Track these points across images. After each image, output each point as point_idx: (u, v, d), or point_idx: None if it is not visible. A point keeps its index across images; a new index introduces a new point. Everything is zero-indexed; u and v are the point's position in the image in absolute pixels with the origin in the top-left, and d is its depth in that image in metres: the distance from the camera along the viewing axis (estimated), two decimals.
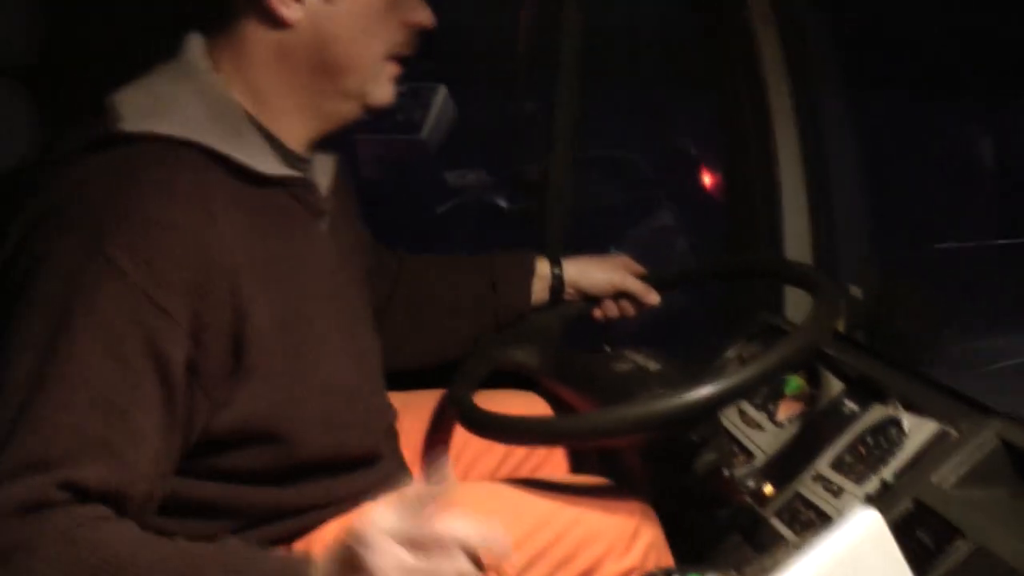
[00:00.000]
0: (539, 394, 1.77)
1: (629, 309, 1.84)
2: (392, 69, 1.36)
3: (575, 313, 1.85)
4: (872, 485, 1.50)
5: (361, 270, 1.56)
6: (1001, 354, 3.68)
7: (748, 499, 1.59)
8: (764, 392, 1.85)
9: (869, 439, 1.59)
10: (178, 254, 1.13)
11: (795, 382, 1.82)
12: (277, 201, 1.29)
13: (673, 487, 1.51)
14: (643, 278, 1.83)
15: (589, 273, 1.82)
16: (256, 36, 1.26)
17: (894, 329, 2.00)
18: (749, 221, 2.18)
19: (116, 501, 1.10)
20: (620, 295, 1.83)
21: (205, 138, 1.19)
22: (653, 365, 1.55)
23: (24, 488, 1.04)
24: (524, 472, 1.68)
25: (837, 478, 1.57)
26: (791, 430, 1.76)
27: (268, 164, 1.26)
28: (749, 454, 1.78)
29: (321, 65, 1.29)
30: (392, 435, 1.56)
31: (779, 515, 1.61)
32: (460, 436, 1.65)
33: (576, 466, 1.70)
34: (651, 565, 1.45)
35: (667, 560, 1.50)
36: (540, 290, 1.80)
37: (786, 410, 1.81)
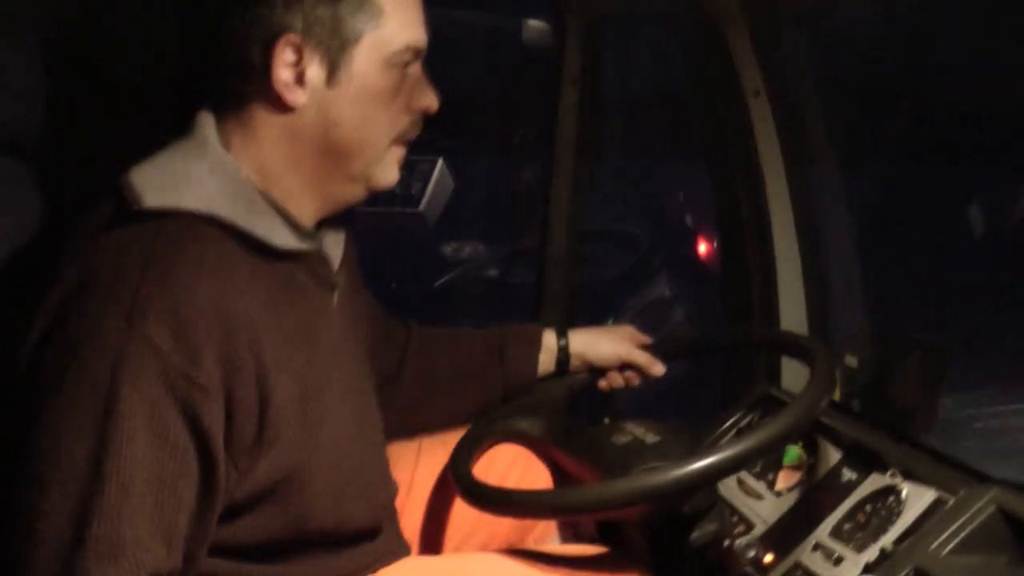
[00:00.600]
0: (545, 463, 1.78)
1: (634, 380, 1.86)
2: (397, 152, 1.38)
3: (580, 384, 1.87)
4: (871, 553, 1.50)
5: (366, 343, 1.58)
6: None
7: (749, 569, 1.59)
8: (763, 462, 1.86)
9: (868, 507, 1.60)
10: (209, 328, 1.15)
11: (793, 451, 1.83)
12: (292, 275, 1.31)
13: (673, 557, 1.51)
14: (648, 348, 1.86)
15: (595, 345, 1.84)
16: (264, 118, 1.28)
17: (890, 397, 2.01)
18: (745, 292, 2.20)
19: None
20: (626, 367, 1.85)
21: (224, 212, 1.21)
22: (651, 437, 1.56)
23: None
24: (525, 542, 1.68)
25: (837, 546, 1.57)
26: (790, 499, 1.77)
27: (283, 238, 1.27)
28: (749, 524, 1.79)
29: (326, 148, 1.30)
30: (392, 508, 1.57)
31: None
32: (459, 507, 1.66)
33: (577, 535, 1.71)
34: None
35: None
36: (547, 361, 1.82)
37: (785, 479, 1.81)
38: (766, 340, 2.01)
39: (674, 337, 2.03)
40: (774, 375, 2.14)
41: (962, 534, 1.40)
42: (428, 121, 1.41)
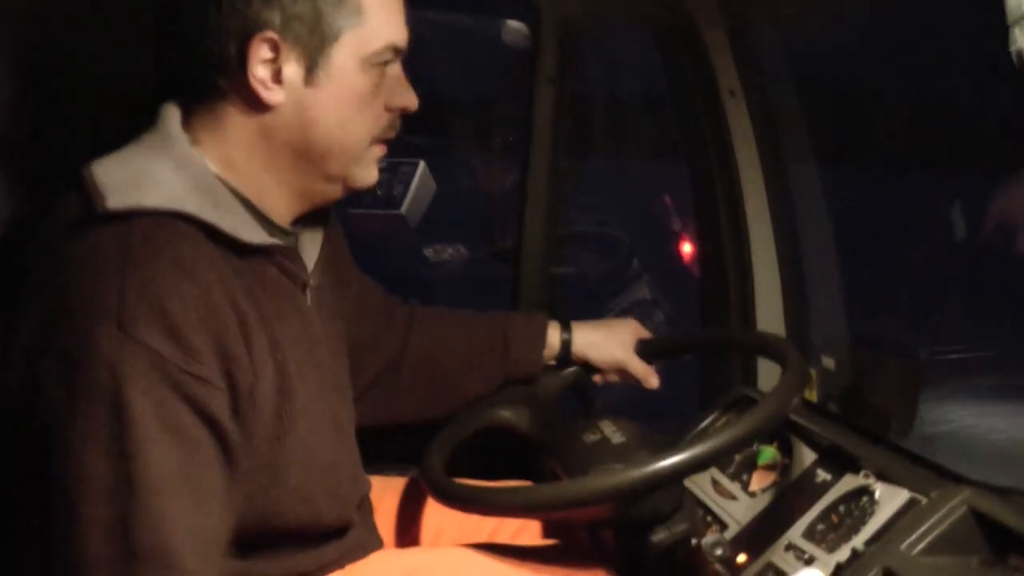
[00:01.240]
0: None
1: (630, 379, 1.89)
2: (376, 151, 1.37)
3: (574, 378, 1.88)
4: (843, 554, 1.50)
5: (343, 343, 1.56)
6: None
7: (719, 568, 1.59)
8: (738, 462, 1.86)
9: (841, 508, 1.59)
10: (199, 324, 1.14)
11: (768, 452, 1.82)
12: (263, 270, 1.29)
13: (642, 556, 1.51)
14: (648, 344, 1.89)
15: (596, 345, 1.85)
16: (238, 115, 1.27)
17: (867, 400, 2.01)
18: (722, 293, 2.20)
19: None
20: (622, 371, 1.87)
21: (190, 208, 1.19)
22: (618, 438, 1.57)
23: None
24: (498, 539, 1.67)
25: (809, 547, 1.57)
26: (764, 500, 1.76)
27: (250, 233, 1.25)
28: (723, 524, 1.78)
29: (303, 148, 1.29)
30: (365, 505, 1.57)
31: None
32: (433, 507, 1.66)
33: (550, 533, 1.70)
34: None
35: None
36: (548, 356, 1.83)
37: (759, 480, 1.81)
38: (737, 341, 2.01)
39: (663, 338, 2.04)
40: (750, 376, 2.14)
41: (933, 534, 1.40)
42: (409, 123, 1.40)
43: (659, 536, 1.49)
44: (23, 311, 1.15)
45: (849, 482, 1.62)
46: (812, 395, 2.04)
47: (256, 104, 1.25)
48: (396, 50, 1.32)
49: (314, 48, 1.25)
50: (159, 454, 1.09)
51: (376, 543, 1.56)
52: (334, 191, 1.36)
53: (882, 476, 1.57)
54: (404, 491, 1.74)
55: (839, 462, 1.68)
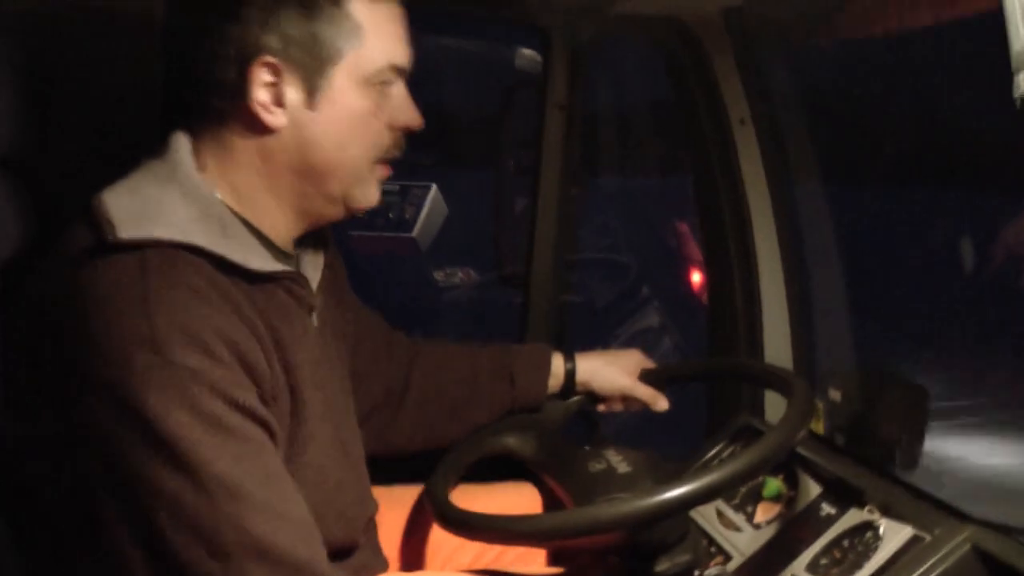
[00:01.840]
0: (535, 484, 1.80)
1: (634, 407, 1.90)
2: (379, 172, 1.36)
3: (578, 407, 1.90)
4: None
5: (346, 363, 1.57)
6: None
7: None
8: (743, 494, 1.85)
9: (845, 542, 1.58)
10: (225, 343, 1.14)
11: (773, 484, 1.81)
12: (273, 296, 1.29)
13: None
14: (652, 372, 1.90)
15: (600, 375, 1.87)
16: (241, 139, 1.27)
17: (874, 433, 2.00)
18: (730, 323, 2.19)
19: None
20: (627, 398, 1.88)
21: (197, 239, 1.18)
22: (623, 467, 1.57)
23: None
24: (503, 562, 1.69)
25: None
26: (769, 532, 1.75)
27: (259, 261, 1.25)
28: (727, 555, 1.77)
29: (305, 169, 1.29)
30: (371, 525, 1.57)
31: None
32: (438, 528, 1.65)
33: (555, 558, 1.71)
34: None
35: None
36: (553, 386, 1.85)
37: (764, 512, 1.80)
38: (744, 371, 2.01)
39: (667, 367, 2.04)
40: (757, 406, 2.13)
41: (935, 572, 1.39)
42: (421, 145, 1.40)
43: (663, 566, 1.49)
44: (47, 352, 1.15)
45: (854, 516, 1.61)
46: (819, 427, 2.02)
47: (258, 127, 1.26)
48: (398, 70, 1.32)
49: (314, 70, 1.25)
50: (231, 461, 1.10)
51: (381, 565, 1.56)
52: (335, 212, 1.36)
53: (886, 511, 1.57)
54: (410, 511, 1.74)
55: (844, 496, 1.67)
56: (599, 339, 4.05)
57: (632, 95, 4.71)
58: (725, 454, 2.01)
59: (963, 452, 3.75)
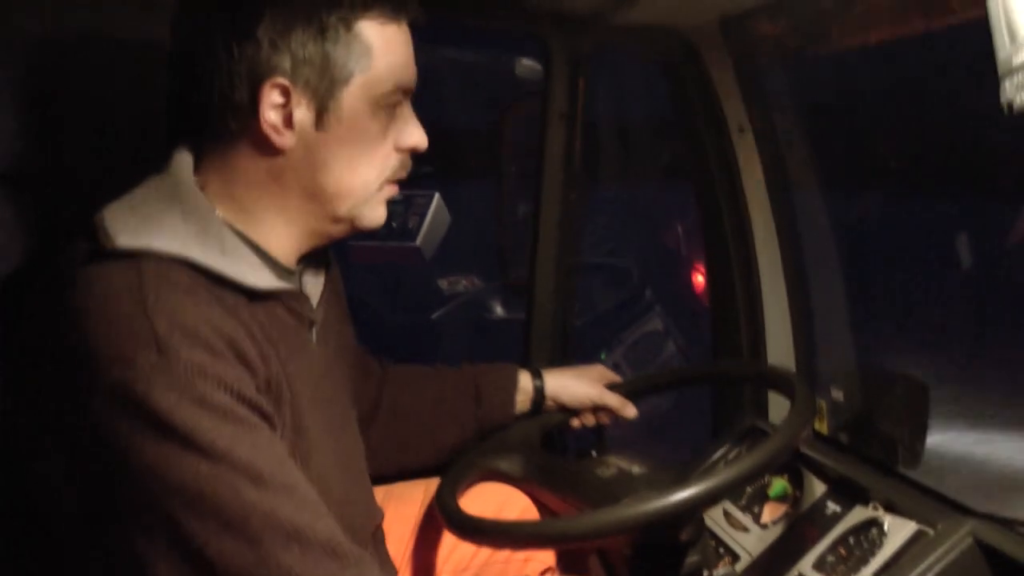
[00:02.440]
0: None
1: (605, 419, 1.91)
2: (386, 192, 1.35)
3: (554, 423, 1.91)
4: None
5: (346, 376, 1.57)
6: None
7: None
8: (749, 494, 1.88)
9: (851, 539, 1.61)
10: (227, 344, 1.15)
11: (779, 484, 1.84)
12: (272, 312, 1.29)
13: None
14: (618, 386, 1.91)
15: (568, 388, 1.89)
16: (248, 159, 1.26)
17: (876, 431, 2.02)
18: (732, 326, 2.22)
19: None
20: (598, 408, 1.89)
21: (194, 254, 1.19)
22: (636, 469, 1.59)
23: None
24: (510, 567, 1.69)
25: None
26: (775, 531, 1.78)
27: (259, 278, 1.25)
28: (735, 555, 1.79)
29: (312, 190, 1.28)
30: (379, 536, 1.57)
31: None
32: (448, 535, 1.67)
33: (562, 565, 1.72)
34: None
35: None
36: (522, 402, 1.86)
37: (771, 512, 1.82)
38: (745, 374, 2.04)
39: (643, 375, 2.06)
40: (761, 408, 2.16)
41: (939, 566, 1.42)
42: (424, 156, 1.39)
43: (678, 566, 1.50)
44: (50, 360, 1.15)
45: (859, 514, 1.64)
46: (822, 426, 2.05)
47: (267, 148, 1.25)
48: (405, 91, 1.32)
49: (324, 92, 1.24)
50: (248, 449, 1.10)
51: (390, 573, 1.57)
52: (341, 231, 1.35)
53: (891, 508, 1.59)
54: (418, 524, 1.75)
55: (849, 494, 1.70)
56: (603, 344, 4.07)
57: (629, 101, 4.72)
58: (731, 456, 2.04)
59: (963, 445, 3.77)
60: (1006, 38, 0.99)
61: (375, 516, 1.56)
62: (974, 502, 1.53)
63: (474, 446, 1.80)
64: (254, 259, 1.27)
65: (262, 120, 1.22)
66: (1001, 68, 0.99)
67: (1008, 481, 3.64)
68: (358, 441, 1.53)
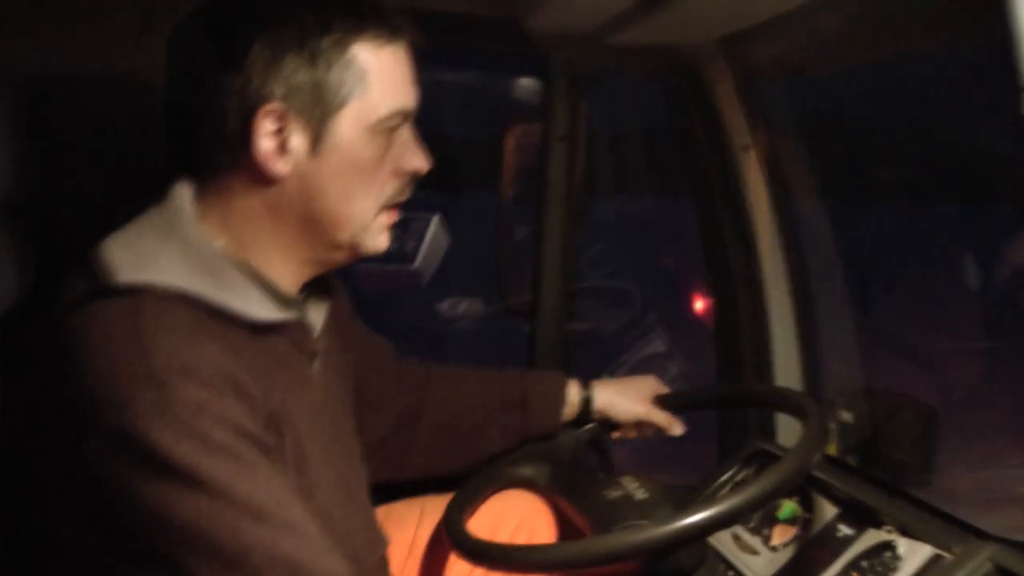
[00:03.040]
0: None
1: (648, 433, 1.90)
2: (386, 218, 1.32)
3: (592, 434, 1.90)
4: None
5: (350, 404, 1.56)
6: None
7: None
8: (758, 517, 1.85)
9: (864, 563, 1.58)
10: (225, 382, 1.12)
11: (789, 506, 1.82)
12: (273, 345, 1.27)
13: None
14: (667, 400, 1.90)
15: (615, 403, 1.87)
16: (244, 188, 1.24)
17: (886, 453, 2.01)
18: (737, 348, 2.20)
19: None
20: (643, 424, 1.89)
21: (196, 290, 1.17)
22: (641, 494, 1.57)
23: None
24: None
25: None
26: (786, 555, 1.75)
27: (259, 311, 1.23)
28: None
29: (310, 218, 1.26)
30: (382, 564, 1.55)
31: None
32: (461, 567, 1.66)
33: None
34: None
35: None
36: (567, 414, 1.85)
37: (780, 534, 1.80)
38: (759, 396, 2.02)
39: (692, 390, 2.07)
40: (768, 430, 2.14)
41: None
42: (423, 179, 1.36)
43: None
44: (49, 401, 1.13)
45: (871, 537, 1.61)
46: (831, 448, 2.03)
47: (262, 177, 1.23)
48: (404, 114, 1.29)
49: (319, 118, 1.22)
50: (248, 485, 1.08)
51: None
52: (342, 258, 1.33)
53: (904, 531, 1.57)
54: (432, 554, 1.73)
55: (860, 516, 1.67)
56: (604, 366, 4.05)
57: (626, 120, 4.73)
58: (738, 478, 2.02)
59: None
60: None
61: (379, 546, 1.54)
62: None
63: (496, 459, 1.80)
64: (254, 291, 1.25)
65: (256, 150, 1.20)
66: (1023, 79, 0.98)
67: None
68: (361, 471, 1.52)
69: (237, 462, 1.09)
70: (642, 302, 4.49)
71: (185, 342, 1.12)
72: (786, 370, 2.14)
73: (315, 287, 1.40)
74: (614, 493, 1.60)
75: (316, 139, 1.22)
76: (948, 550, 1.47)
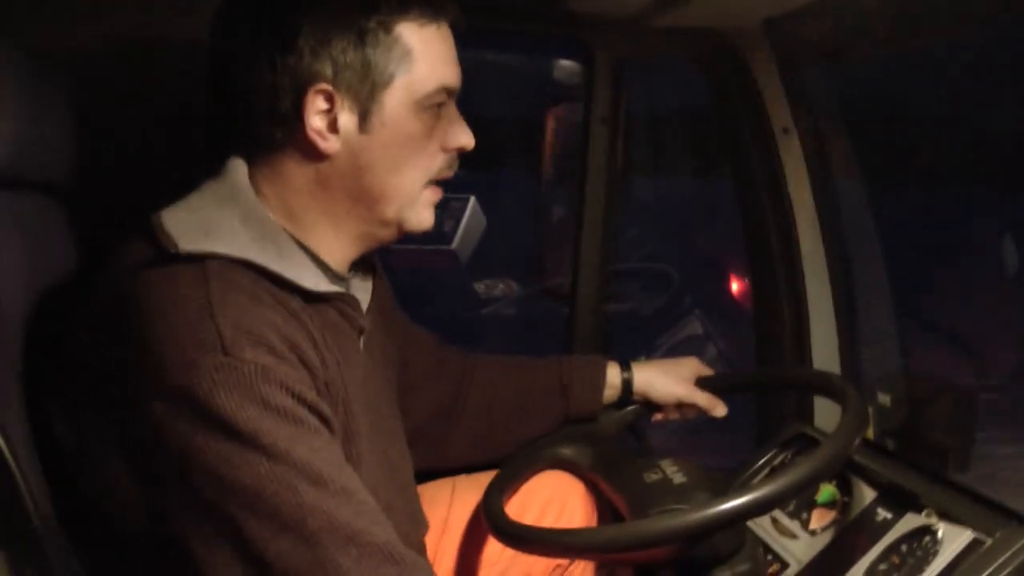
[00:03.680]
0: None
1: (690, 414, 1.90)
2: (432, 194, 1.36)
3: (634, 416, 1.90)
4: None
5: (394, 386, 1.58)
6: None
7: None
8: (797, 501, 1.85)
9: (903, 547, 1.58)
10: (292, 345, 1.16)
11: (827, 490, 1.82)
12: (327, 315, 1.30)
13: None
14: (709, 382, 1.89)
15: (656, 384, 1.87)
16: (295, 165, 1.27)
17: (924, 436, 2.00)
18: (776, 331, 2.20)
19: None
20: (684, 405, 1.88)
21: (254, 257, 1.20)
22: (679, 478, 1.57)
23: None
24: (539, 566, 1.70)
25: None
26: (825, 538, 1.75)
27: (314, 281, 1.27)
28: (784, 563, 1.77)
29: (358, 193, 1.29)
30: (422, 546, 1.57)
31: None
32: (493, 545, 1.67)
33: (612, 571, 1.71)
34: None
35: None
36: (609, 396, 1.86)
37: (819, 518, 1.80)
38: (801, 380, 2.01)
39: (735, 373, 2.06)
40: (806, 413, 2.13)
41: (999, 575, 1.39)
42: (461, 160, 1.39)
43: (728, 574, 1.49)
44: (111, 363, 1.16)
45: (910, 521, 1.61)
46: (869, 432, 2.03)
47: (313, 154, 1.26)
48: (448, 91, 1.32)
49: (366, 96, 1.25)
50: (307, 450, 1.10)
51: None
52: (389, 234, 1.36)
53: (944, 515, 1.56)
54: (464, 533, 1.75)
55: (899, 500, 1.67)
56: (642, 349, 4.04)
57: (666, 100, 4.70)
58: (776, 462, 2.01)
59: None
60: None
61: (419, 527, 1.56)
62: None
63: (533, 443, 1.81)
64: (309, 263, 1.29)
65: (307, 127, 1.24)
66: None
67: None
68: (405, 453, 1.54)
69: (298, 427, 1.12)
70: (680, 284, 4.47)
71: (250, 308, 1.15)
72: (825, 353, 2.13)
73: (359, 268, 1.44)
74: (653, 476, 1.61)
75: (364, 116, 1.26)
76: (989, 534, 1.46)
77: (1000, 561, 1.40)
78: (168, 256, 1.18)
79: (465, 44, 1.36)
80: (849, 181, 2.26)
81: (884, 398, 2.10)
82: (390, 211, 1.32)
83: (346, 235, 1.33)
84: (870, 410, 2.05)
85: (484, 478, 1.72)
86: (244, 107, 1.26)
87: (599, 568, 1.75)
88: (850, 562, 1.63)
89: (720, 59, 2.12)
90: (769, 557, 1.79)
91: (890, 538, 1.61)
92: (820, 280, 2.13)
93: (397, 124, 1.28)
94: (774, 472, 1.97)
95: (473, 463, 1.80)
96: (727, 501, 1.34)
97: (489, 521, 1.57)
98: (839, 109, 2.23)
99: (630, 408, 1.89)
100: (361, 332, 1.40)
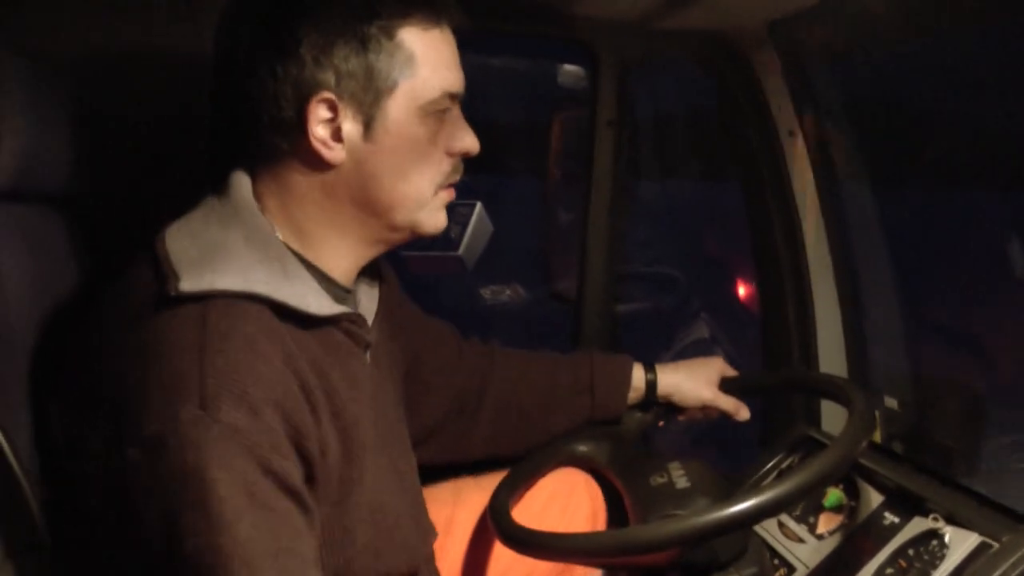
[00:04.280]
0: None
1: (712, 416, 1.90)
2: (442, 197, 1.34)
3: (656, 417, 1.90)
4: None
5: (399, 391, 1.57)
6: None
7: None
8: (804, 505, 1.85)
9: (910, 551, 1.58)
10: (276, 402, 1.13)
11: (834, 494, 1.81)
12: (329, 337, 1.29)
13: None
14: (732, 383, 1.89)
15: (680, 387, 1.86)
16: (301, 176, 1.26)
17: (931, 440, 1.99)
18: (783, 334, 2.19)
19: None
20: (708, 408, 1.88)
21: (258, 287, 1.18)
22: (683, 482, 1.57)
23: None
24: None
25: None
26: (832, 543, 1.75)
27: (319, 305, 1.25)
28: (790, 567, 1.77)
29: (365, 202, 1.28)
30: (430, 553, 1.56)
31: None
32: (497, 547, 1.67)
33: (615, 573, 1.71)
34: None
35: None
36: (633, 398, 1.85)
37: (826, 522, 1.79)
38: (821, 385, 2.00)
39: (758, 374, 2.05)
40: (813, 416, 2.12)
41: None
42: (467, 165, 1.38)
43: None
44: (104, 397, 1.16)
45: (918, 525, 1.60)
46: (876, 436, 2.02)
47: (318, 163, 1.25)
48: (452, 96, 1.30)
49: (370, 103, 1.23)
50: (250, 528, 1.08)
51: None
52: (401, 239, 1.35)
53: (951, 519, 1.56)
54: (469, 535, 1.75)
55: (906, 504, 1.67)
56: (650, 353, 4.03)
57: (671, 102, 4.69)
58: (784, 465, 2.01)
59: None
60: None
61: (428, 536, 1.54)
62: None
63: (539, 446, 1.81)
64: (313, 283, 1.27)
65: (311, 136, 1.22)
66: None
67: None
68: (411, 459, 1.53)
69: (249, 501, 1.09)
70: (687, 287, 4.45)
71: (243, 358, 1.13)
72: (831, 356, 2.13)
73: (366, 275, 1.42)
74: (658, 480, 1.60)
75: (368, 124, 1.24)
76: (996, 538, 1.45)
77: (1007, 565, 1.40)
78: (170, 297, 1.15)
79: (469, 49, 1.35)
80: (855, 182, 2.25)
81: (891, 401, 2.09)
82: (400, 217, 1.31)
83: (354, 243, 1.32)
84: (877, 414, 2.04)
85: (487, 480, 1.71)
86: (247, 117, 1.25)
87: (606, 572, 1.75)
88: (857, 566, 1.63)
89: (725, 62, 2.12)
90: (776, 561, 1.78)
91: (897, 542, 1.61)
92: (826, 282, 2.13)
93: (402, 131, 1.26)
94: (780, 476, 1.97)
95: (494, 456, 1.79)
96: (725, 508, 1.33)
97: (494, 524, 1.57)
98: (844, 111, 2.23)
99: (653, 410, 1.88)
100: (367, 347, 1.39)
